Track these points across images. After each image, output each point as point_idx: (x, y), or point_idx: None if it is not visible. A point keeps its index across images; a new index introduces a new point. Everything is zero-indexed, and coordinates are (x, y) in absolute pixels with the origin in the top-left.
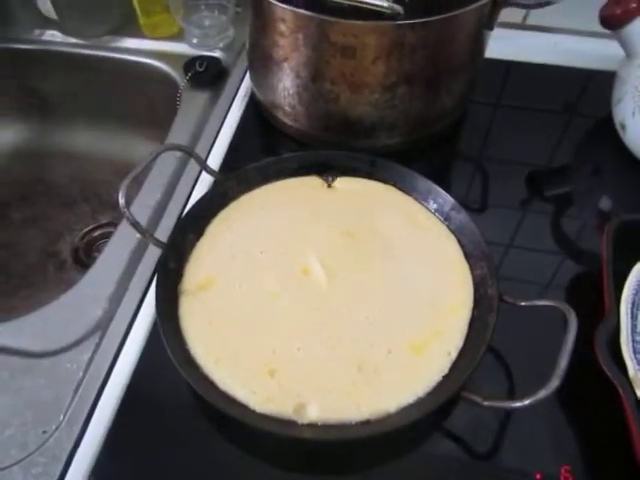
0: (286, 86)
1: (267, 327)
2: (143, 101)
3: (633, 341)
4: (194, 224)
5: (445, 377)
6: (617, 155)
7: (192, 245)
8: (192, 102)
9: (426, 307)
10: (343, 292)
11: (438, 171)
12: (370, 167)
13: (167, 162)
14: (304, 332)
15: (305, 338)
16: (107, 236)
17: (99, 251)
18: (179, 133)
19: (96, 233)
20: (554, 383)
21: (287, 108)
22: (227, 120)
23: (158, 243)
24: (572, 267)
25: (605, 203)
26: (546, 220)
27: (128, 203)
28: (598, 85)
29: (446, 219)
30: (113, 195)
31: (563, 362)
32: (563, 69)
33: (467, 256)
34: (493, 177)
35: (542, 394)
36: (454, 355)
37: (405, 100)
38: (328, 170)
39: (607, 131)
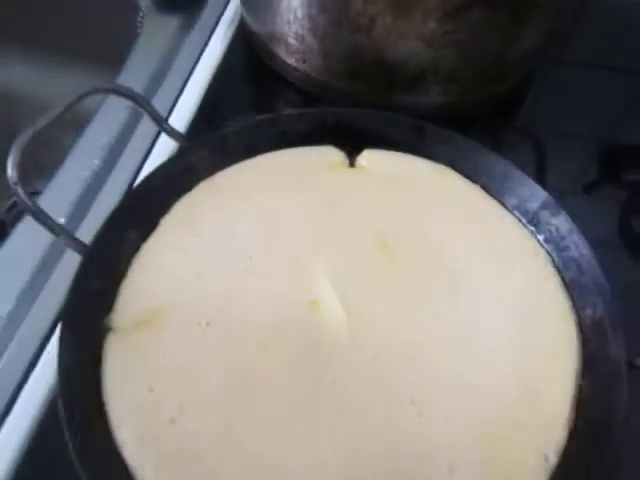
0: (292, 6)
1: (245, 411)
2: (93, 26)
3: None
4: (138, 215)
5: None
6: None
7: (133, 251)
8: (157, 30)
9: (504, 373)
10: (373, 346)
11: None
12: (415, 136)
13: (110, 117)
14: (307, 427)
15: (309, 437)
16: None
17: None
18: (135, 73)
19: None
20: None
21: (292, 41)
22: (203, 58)
23: (77, 246)
24: None
25: None
26: None
27: (24, 176)
28: None
29: (532, 223)
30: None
31: None
32: None
33: (568, 286)
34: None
35: None
36: (553, 460)
37: (477, 34)
38: (351, 139)
39: None
